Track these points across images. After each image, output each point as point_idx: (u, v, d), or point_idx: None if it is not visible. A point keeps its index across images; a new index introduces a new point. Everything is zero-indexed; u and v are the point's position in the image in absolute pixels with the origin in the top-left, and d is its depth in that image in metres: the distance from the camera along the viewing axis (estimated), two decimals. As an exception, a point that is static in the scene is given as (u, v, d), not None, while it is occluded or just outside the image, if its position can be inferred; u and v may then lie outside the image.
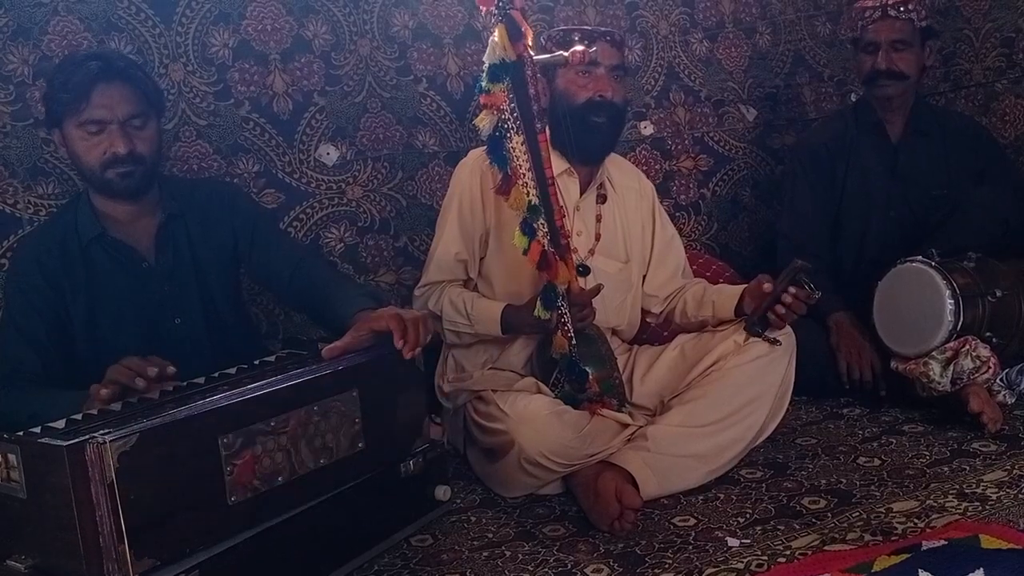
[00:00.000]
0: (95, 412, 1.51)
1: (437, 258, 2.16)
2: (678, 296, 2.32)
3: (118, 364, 1.61)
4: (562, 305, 1.92)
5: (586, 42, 2.08)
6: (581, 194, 2.21)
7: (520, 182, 1.87)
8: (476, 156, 2.18)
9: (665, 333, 2.39)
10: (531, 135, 1.86)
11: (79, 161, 1.85)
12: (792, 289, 1.99)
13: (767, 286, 2.04)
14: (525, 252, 1.89)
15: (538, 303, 1.93)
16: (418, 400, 1.81)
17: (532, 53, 1.85)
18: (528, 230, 1.88)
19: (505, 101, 1.83)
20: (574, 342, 1.95)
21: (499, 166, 1.87)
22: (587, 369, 1.96)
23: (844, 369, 2.43)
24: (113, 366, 1.61)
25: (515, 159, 1.87)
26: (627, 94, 2.35)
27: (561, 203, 1.96)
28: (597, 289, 2.00)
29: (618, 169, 2.34)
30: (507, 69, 1.80)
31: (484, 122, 1.84)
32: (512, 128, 1.85)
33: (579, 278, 2.12)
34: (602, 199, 2.24)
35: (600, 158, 2.22)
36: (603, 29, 2.23)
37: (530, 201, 1.88)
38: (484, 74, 1.83)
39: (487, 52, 1.82)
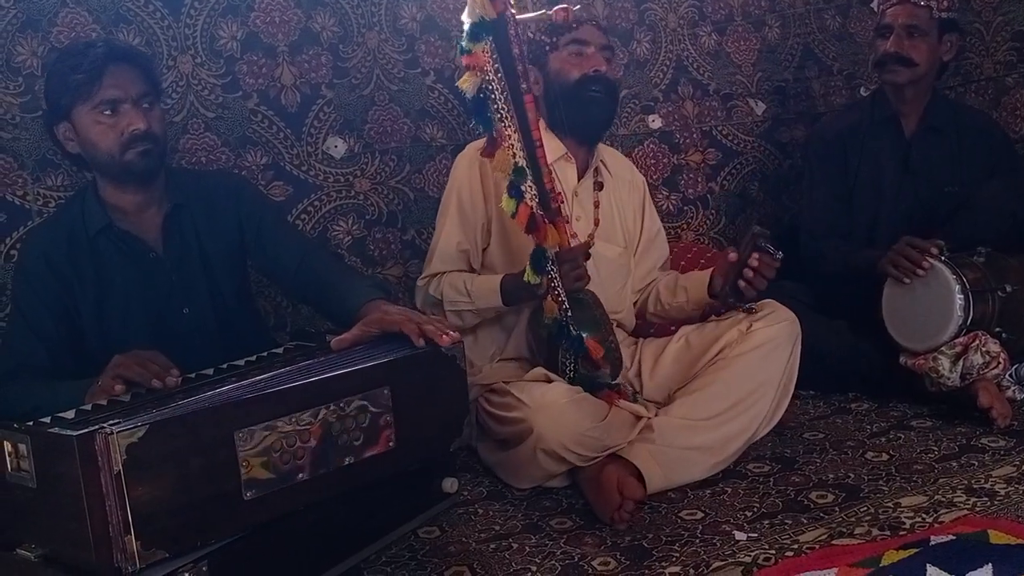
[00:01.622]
0: (105, 403, 1.51)
1: (440, 250, 2.17)
2: (651, 287, 2.36)
3: (125, 358, 1.61)
4: (552, 269, 1.91)
5: (575, 24, 2.14)
6: (579, 180, 2.23)
7: (506, 144, 1.86)
8: (474, 147, 2.19)
9: (673, 328, 2.39)
10: (516, 96, 1.84)
11: (95, 148, 1.82)
12: (756, 255, 2.01)
13: (732, 255, 2.07)
14: (513, 215, 1.88)
15: (527, 268, 1.90)
16: (458, 399, 1.75)
17: (514, 12, 1.83)
18: (515, 192, 1.87)
19: (488, 62, 1.81)
20: (566, 306, 1.93)
21: (484, 128, 1.87)
22: (582, 333, 1.93)
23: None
24: (120, 358, 1.61)
25: (501, 121, 1.85)
26: (618, 73, 2.39)
27: (550, 170, 1.93)
28: (587, 245, 1.99)
29: (613, 159, 2.37)
30: (487, 28, 1.79)
31: (467, 84, 1.82)
32: (497, 90, 1.84)
33: None
34: (599, 186, 2.27)
35: (601, 132, 2.25)
36: (586, 15, 2.28)
37: (516, 163, 1.86)
38: (464, 34, 1.82)
39: (466, 10, 1.81)
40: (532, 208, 1.87)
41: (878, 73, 2.62)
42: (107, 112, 1.80)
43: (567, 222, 1.96)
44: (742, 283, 2.04)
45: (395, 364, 1.60)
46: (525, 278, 1.91)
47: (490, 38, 1.80)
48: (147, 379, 1.56)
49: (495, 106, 1.84)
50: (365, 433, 1.53)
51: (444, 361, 1.68)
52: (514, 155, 1.86)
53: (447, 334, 1.64)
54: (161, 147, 1.88)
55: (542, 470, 1.92)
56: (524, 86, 1.85)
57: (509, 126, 1.85)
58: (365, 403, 1.53)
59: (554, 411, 1.86)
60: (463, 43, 1.81)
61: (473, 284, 2.10)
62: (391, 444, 1.57)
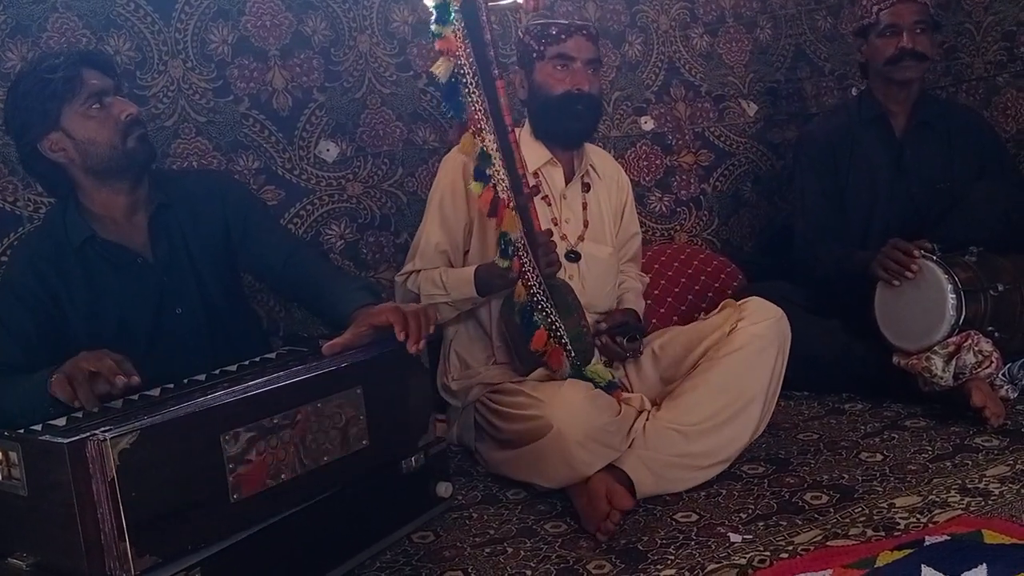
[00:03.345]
0: (96, 410, 1.50)
1: (421, 248, 2.19)
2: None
3: (95, 353, 1.60)
4: (522, 254, 1.91)
5: (563, 36, 2.15)
6: (567, 183, 2.25)
7: (472, 129, 1.88)
8: (461, 150, 2.20)
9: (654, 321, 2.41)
10: (488, 81, 1.86)
11: (94, 144, 1.79)
12: (619, 339, 2.15)
13: (602, 325, 2.17)
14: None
15: (498, 253, 1.93)
16: (424, 397, 1.79)
17: None
18: (480, 176, 1.89)
19: (460, 47, 1.83)
20: (534, 291, 1.93)
21: (455, 114, 1.88)
22: (539, 324, 1.94)
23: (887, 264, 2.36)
24: (85, 353, 1.60)
25: (472, 105, 1.87)
26: (602, 86, 2.42)
27: (521, 154, 1.95)
28: (549, 232, 2.00)
29: (601, 160, 2.38)
30: (453, 10, 1.81)
31: (440, 69, 1.84)
32: (468, 74, 1.85)
33: (568, 264, 2.16)
34: (586, 187, 2.28)
35: (580, 143, 2.26)
36: (579, 23, 2.26)
37: (482, 148, 1.88)
38: (432, 18, 1.83)
39: None
40: (495, 192, 1.89)
41: (888, 71, 2.60)
42: (96, 106, 1.79)
43: (529, 187, 1.98)
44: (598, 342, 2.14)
45: (366, 364, 1.64)
46: (496, 262, 1.93)
47: (462, 24, 1.81)
48: (115, 372, 1.54)
49: (466, 91, 1.85)
50: (340, 432, 1.56)
51: (410, 361, 1.72)
52: (482, 140, 1.88)
53: (418, 345, 1.66)
54: (149, 133, 1.88)
55: (563, 467, 1.85)
56: (495, 72, 1.86)
57: (479, 110, 1.87)
58: (339, 403, 1.56)
59: (573, 407, 1.84)
60: (432, 28, 1.83)
61: (448, 276, 2.11)
62: (364, 443, 1.61)
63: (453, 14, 1.80)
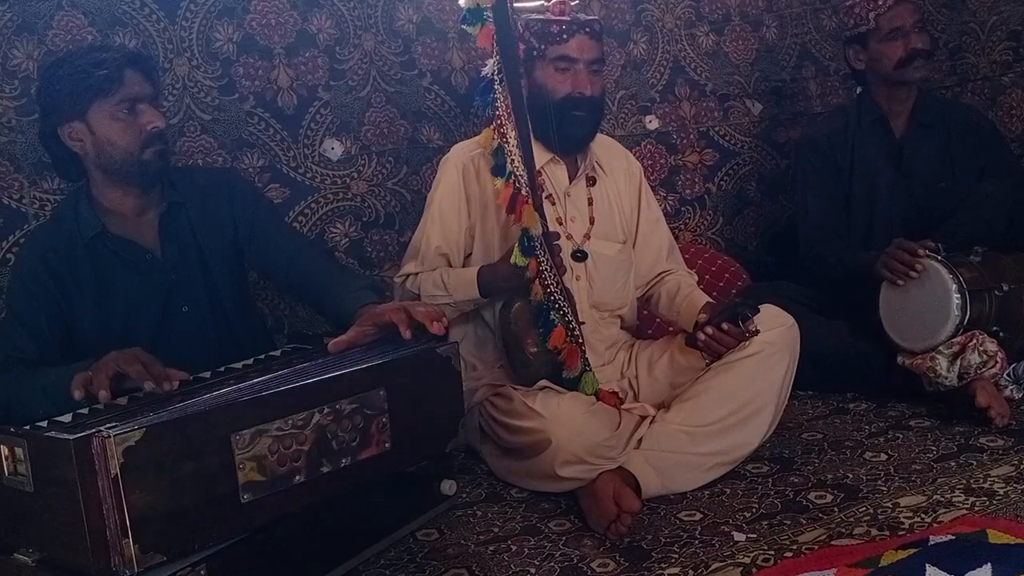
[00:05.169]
0: (102, 407, 1.51)
1: (421, 251, 2.16)
2: (659, 284, 2.32)
3: (122, 354, 1.60)
4: (540, 252, 1.89)
5: (565, 35, 2.09)
6: (570, 180, 2.21)
7: (494, 124, 1.91)
8: (458, 151, 2.19)
9: (671, 329, 2.39)
10: (513, 78, 1.86)
11: (112, 147, 1.81)
12: (726, 324, 1.98)
13: (702, 316, 2.06)
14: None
15: (516, 250, 1.89)
16: (453, 399, 1.75)
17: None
18: (498, 171, 1.91)
19: (495, 45, 1.86)
20: (551, 290, 1.90)
21: (485, 109, 1.92)
22: (556, 322, 1.91)
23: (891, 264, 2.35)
24: (118, 354, 1.60)
25: (498, 100, 1.89)
26: (605, 85, 2.36)
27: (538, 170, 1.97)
28: (556, 235, 1.98)
29: (606, 151, 2.32)
30: (483, 12, 1.84)
31: (490, 67, 1.88)
32: (497, 72, 1.88)
33: (575, 264, 2.14)
34: (591, 182, 2.23)
35: (580, 147, 2.21)
36: (583, 19, 2.16)
37: (500, 143, 1.89)
38: (463, 18, 1.89)
39: None
40: (514, 188, 1.88)
41: (900, 74, 2.58)
42: (125, 111, 1.80)
43: (543, 188, 2.00)
44: (699, 341, 2.03)
45: (390, 365, 1.61)
46: (512, 260, 1.90)
47: (490, 20, 1.83)
48: (144, 377, 1.55)
49: (496, 86, 1.87)
50: (361, 435, 1.53)
51: (439, 362, 1.69)
52: (504, 135, 1.89)
53: (438, 320, 1.63)
54: (170, 147, 1.89)
55: (563, 482, 1.87)
56: (521, 69, 1.88)
57: (503, 106, 1.88)
58: (360, 405, 1.53)
59: (573, 422, 1.83)
60: (465, 28, 1.88)
61: (450, 277, 2.08)
62: (387, 445, 1.57)
63: (486, 14, 1.83)
